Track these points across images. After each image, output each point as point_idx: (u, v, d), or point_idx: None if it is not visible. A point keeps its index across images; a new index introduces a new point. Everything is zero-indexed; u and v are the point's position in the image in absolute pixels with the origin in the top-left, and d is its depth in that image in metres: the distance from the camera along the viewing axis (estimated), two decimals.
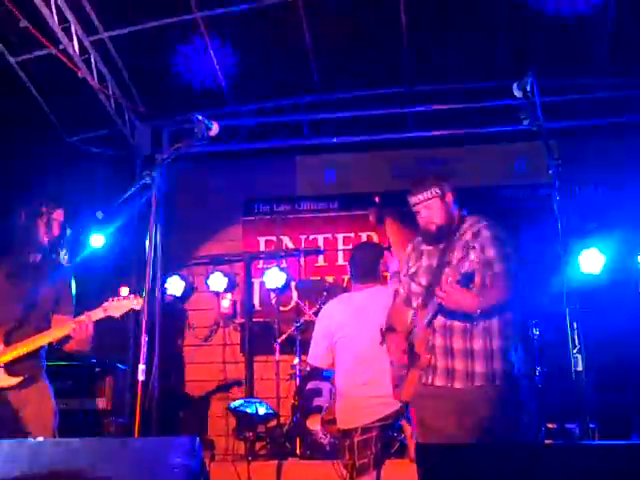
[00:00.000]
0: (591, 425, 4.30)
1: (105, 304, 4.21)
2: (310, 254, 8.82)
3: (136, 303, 4.20)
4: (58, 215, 4.45)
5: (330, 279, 8.35)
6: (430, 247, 4.09)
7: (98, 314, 4.20)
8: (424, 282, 4.01)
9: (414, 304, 4.04)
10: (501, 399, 3.73)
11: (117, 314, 4.21)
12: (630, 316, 7.84)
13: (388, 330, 4.18)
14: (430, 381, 3.86)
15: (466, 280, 3.65)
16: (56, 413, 4.30)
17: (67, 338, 4.26)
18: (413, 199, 4.04)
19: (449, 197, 4.05)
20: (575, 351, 3.06)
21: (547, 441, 6.24)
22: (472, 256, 3.73)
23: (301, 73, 8.33)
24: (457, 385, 3.79)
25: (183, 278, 8.62)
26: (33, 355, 4.21)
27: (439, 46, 7.87)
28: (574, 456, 2.45)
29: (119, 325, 8.12)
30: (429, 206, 4.00)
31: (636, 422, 6.84)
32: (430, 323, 3.87)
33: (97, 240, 7.81)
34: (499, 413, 3.69)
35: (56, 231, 4.43)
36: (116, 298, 4.21)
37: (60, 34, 7.23)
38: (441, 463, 2.52)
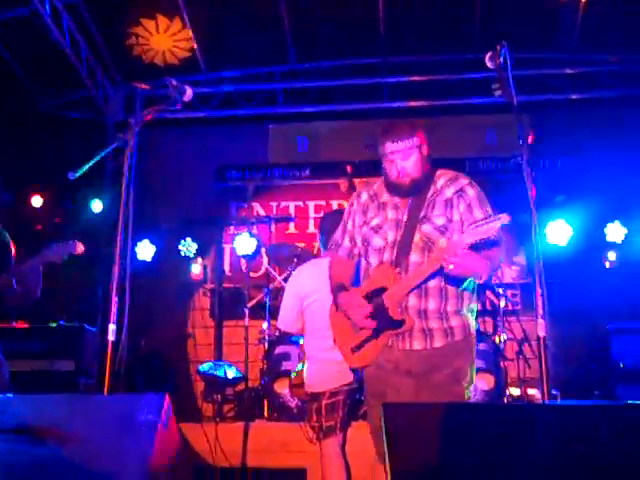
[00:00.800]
0: (553, 391, 4.38)
1: (44, 250, 4.21)
2: (281, 221, 8.85)
3: (75, 249, 4.17)
4: None
5: (301, 246, 8.41)
6: (396, 199, 3.77)
7: (35, 261, 4.21)
8: (391, 237, 3.70)
9: (373, 259, 3.75)
10: (469, 353, 3.68)
11: (57, 260, 4.21)
12: (595, 288, 7.98)
13: (339, 289, 3.86)
14: (408, 346, 3.63)
15: (482, 246, 3.40)
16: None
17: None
18: (390, 146, 3.66)
19: (425, 149, 3.73)
20: (539, 317, 3.13)
21: None
22: (456, 216, 3.64)
23: (276, 42, 8.33)
24: (437, 344, 3.61)
25: (154, 243, 8.60)
26: None
27: (414, 18, 7.88)
28: (538, 416, 2.52)
29: (88, 288, 8.20)
30: (407, 156, 3.66)
31: (597, 392, 6.98)
32: (419, 287, 3.60)
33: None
34: (467, 366, 3.64)
35: None
36: (55, 245, 4.21)
37: None
38: (407, 423, 2.54)
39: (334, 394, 4.66)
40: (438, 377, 3.59)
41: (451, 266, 3.38)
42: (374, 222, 3.79)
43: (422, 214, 3.67)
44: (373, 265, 3.76)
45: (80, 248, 4.09)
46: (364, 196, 3.93)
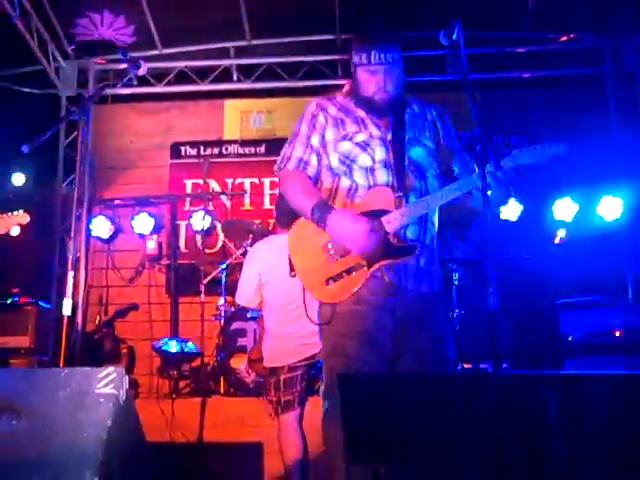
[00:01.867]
0: (503, 365, 4.47)
1: None
2: (236, 197, 8.85)
3: (22, 219, 4.11)
4: None
5: (256, 222, 8.42)
6: (374, 117, 3.37)
7: None
8: (380, 156, 3.29)
9: (361, 179, 3.30)
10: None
11: (3, 230, 4.11)
12: (545, 265, 8.13)
13: (325, 206, 3.27)
14: (412, 286, 3.24)
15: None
16: None
17: None
18: (376, 56, 3.26)
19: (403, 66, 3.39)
20: (490, 291, 3.18)
21: None
22: (442, 141, 3.45)
23: (230, 17, 8.27)
24: (437, 287, 3.34)
25: (109, 219, 8.54)
26: None
27: None
28: (487, 385, 2.58)
29: (42, 264, 8.13)
30: (390, 71, 3.28)
31: (547, 366, 7.13)
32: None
33: (19, 179, 7.72)
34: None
35: None
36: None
37: None
38: (364, 393, 2.56)
39: (293, 369, 4.72)
40: (435, 330, 3.30)
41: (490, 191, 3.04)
42: (359, 137, 3.33)
43: (409, 135, 3.35)
44: (362, 185, 3.30)
45: (25, 219, 4.02)
46: (332, 109, 3.44)
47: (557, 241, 8.20)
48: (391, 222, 3.20)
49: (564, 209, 8.16)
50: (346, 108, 3.43)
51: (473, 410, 2.49)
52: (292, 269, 3.36)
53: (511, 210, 8.06)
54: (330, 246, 3.25)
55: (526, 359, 7.09)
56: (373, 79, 3.31)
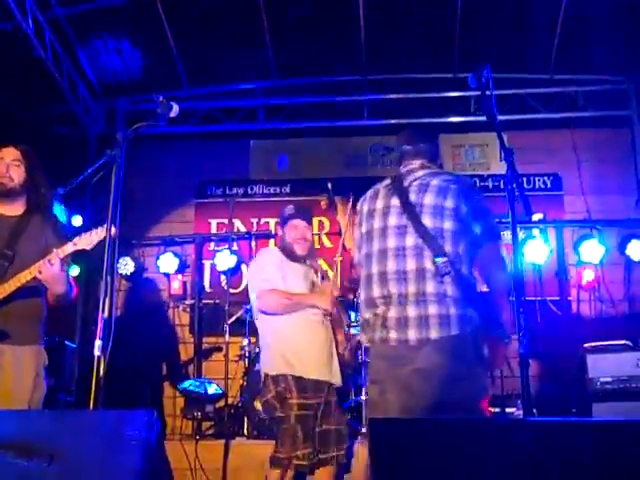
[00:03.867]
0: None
1: (75, 239, 4.05)
2: (261, 237, 8.86)
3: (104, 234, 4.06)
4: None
5: None
6: None
7: (67, 249, 4.02)
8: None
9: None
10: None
11: (88, 246, 4.04)
12: (572, 307, 8.07)
13: None
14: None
15: None
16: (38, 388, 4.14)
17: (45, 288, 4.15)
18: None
19: None
20: (520, 335, 3.15)
21: None
22: None
23: (258, 58, 8.36)
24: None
25: (134, 259, 8.59)
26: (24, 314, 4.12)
27: (395, 36, 7.96)
28: (522, 432, 2.54)
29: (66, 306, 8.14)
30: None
31: (574, 410, 7.04)
32: None
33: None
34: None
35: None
36: (85, 233, 4.05)
37: (14, 9, 7.13)
38: (393, 438, 2.55)
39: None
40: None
41: None
42: None
43: None
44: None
45: (112, 231, 3.96)
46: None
47: (584, 283, 8.14)
48: None
49: (591, 251, 8.10)
50: None
51: (504, 457, 2.46)
52: None
53: (538, 252, 8.02)
54: None
55: (553, 404, 7.00)
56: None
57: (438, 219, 3.48)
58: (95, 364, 3.25)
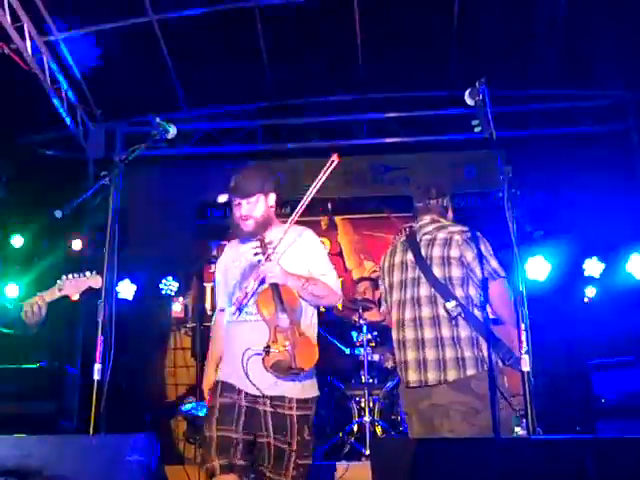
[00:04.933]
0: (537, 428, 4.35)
1: (59, 282, 3.96)
2: None
3: (94, 282, 3.96)
4: None
5: None
6: None
7: (53, 294, 3.95)
8: None
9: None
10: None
11: (74, 293, 3.97)
12: (575, 323, 8.02)
13: None
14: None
15: None
16: None
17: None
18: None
19: None
20: (523, 352, 3.12)
21: None
22: None
23: (255, 79, 8.36)
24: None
25: (134, 281, 8.56)
26: None
27: (393, 54, 7.97)
28: (526, 450, 2.52)
29: (68, 328, 8.11)
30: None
31: (579, 428, 6.99)
32: None
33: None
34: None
35: None
36: (72, 275, 3.94)
37: (13, 34, 7.15)
38: (394, 458, 2.55)
39: None
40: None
41: None
42: None
43: None
44: None
45: (99, 282, 3.86)
46: None
47: (586, 300, 8.11)
48: None
49: (592, 268, 8.08)
50: None
51: (509, 475, 2.44)
52: None
53: (540, 269, 7.99)
54: None
55: (558, 421, 6.94)
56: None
57: (446, 268, 3.95)
58: (95, 388, 3.24)
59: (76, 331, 8.09)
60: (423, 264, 4.01)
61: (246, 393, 3.81)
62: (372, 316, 7.01)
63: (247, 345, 3.84)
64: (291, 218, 4.17)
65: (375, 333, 6.80)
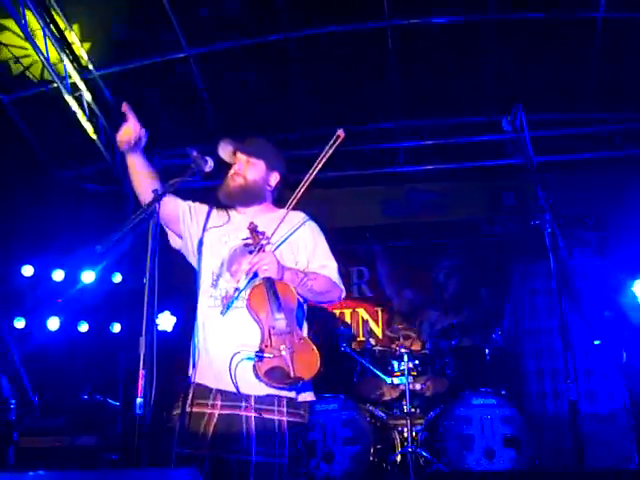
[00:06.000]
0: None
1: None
2: None
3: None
4: None
5: None
6: None
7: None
8: None
9: None
10: None
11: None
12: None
13: None
14: None
15: None
16: None
17: None
18: None
19: None
20: (569, 381, 3.07)
21: None
22: None
23: (290, 107, 8.41)
24: None
25: (174, 313, 8.58)
26: None
27: (428, 82, 7.96)
28: None
29: (110, 362, 8.15)
30: None
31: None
32: None
33: (88, 276, 7.85)
34: None
35: None
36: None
37: (52, 70, 7.30)
38: None
39: None
40: None
41: None
42: None
43: None
44: None
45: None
46: None
47: None
48: None
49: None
50: None
51: None
52: None
53: None
54: None
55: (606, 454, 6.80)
56: None
57: None
58: (137, 423, 3.23)
59: (117, 365, 8.11)
60: None
61: (224, 396, 3.49)
62: (412, 345, 6.96)
63: (235, 344, 3.48)
64: (291, 200, 3.78)
65: (416, 362, 6.73)
